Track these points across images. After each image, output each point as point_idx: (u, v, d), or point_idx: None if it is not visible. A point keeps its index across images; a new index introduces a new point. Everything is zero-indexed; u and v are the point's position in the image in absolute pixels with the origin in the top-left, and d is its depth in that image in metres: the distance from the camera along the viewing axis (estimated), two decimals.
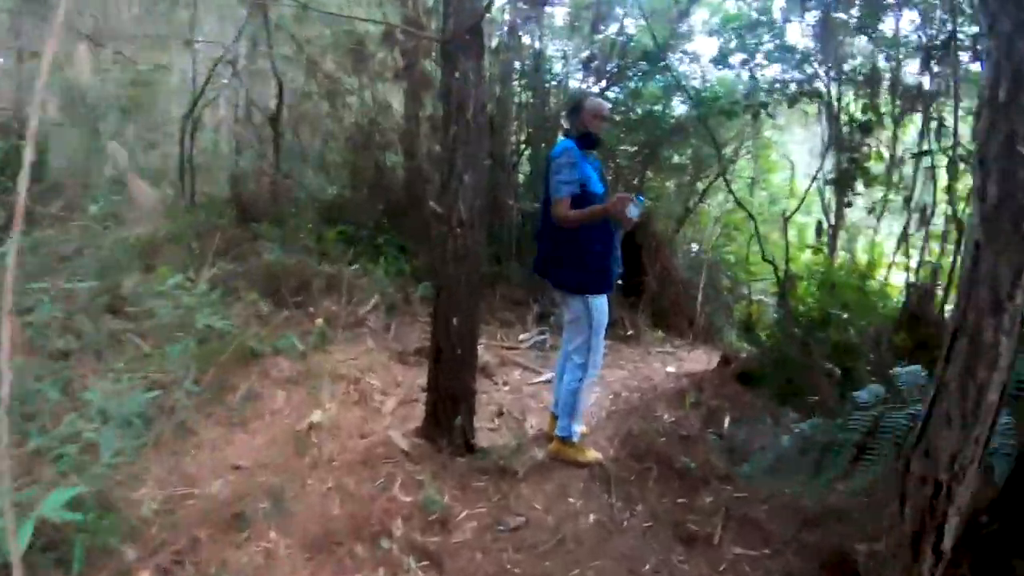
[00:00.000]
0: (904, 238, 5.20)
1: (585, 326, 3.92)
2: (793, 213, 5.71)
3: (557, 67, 8.40)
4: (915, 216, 5.27)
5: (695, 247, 9.00)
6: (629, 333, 7.09)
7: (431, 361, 3.83)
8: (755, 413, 4.85)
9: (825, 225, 5.96)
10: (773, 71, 6.51)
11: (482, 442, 4.23)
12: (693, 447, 4.39)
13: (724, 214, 8.62)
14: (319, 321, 5.43)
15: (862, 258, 6.14)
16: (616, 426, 4.84)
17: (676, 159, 8.89)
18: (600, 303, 3.93)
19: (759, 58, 6.42)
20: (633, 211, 3.73)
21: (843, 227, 6.13)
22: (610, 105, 5.68)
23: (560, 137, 4.32)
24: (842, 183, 4.77)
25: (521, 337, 6.52)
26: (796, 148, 8.91)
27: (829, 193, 6.05)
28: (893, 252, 5.94)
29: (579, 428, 4.19)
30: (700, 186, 8.90)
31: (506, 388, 5.40)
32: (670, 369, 6.24)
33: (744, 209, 5.22)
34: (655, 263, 7.64)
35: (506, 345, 6.32)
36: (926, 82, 5.19)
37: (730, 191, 5.31)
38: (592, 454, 4.23)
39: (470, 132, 3.48)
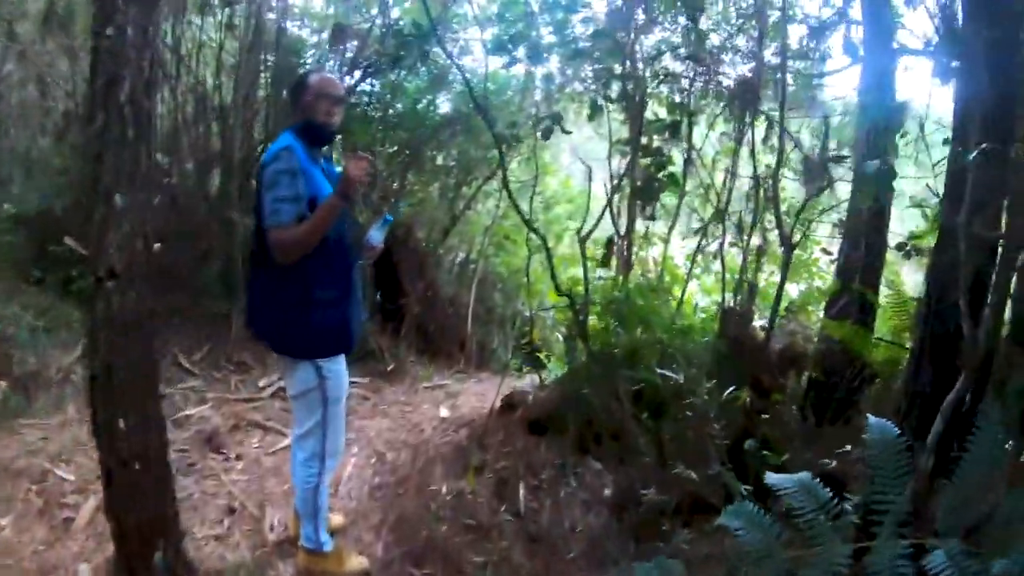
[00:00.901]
0: (720, 256, 4.73)
1: (317, 402, 2.88)
2: (592, 231, 5.02)
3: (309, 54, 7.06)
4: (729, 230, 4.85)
5: (461, 258, 8.16)
6: (391, 367, 6.07)
7: (103, 483, 2.47)
8: (556, 475, 4.07)
9: (617, 239, 5.38)
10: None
11: (205, 561, 3.10)
12: (485, 537, 3.49)
13: (495, 222, 7.86)
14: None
15: (657, 275, 5.65)
16: (383, 507, 3.85)
17: (440, 160, 7.98)
18: (337, 369, 2.89)
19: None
20: (376, 236, 2.96)
21: (638, 241, 5.58)
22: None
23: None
24: (646, 192, 4.14)
25: (262, 383, 5.21)
26: (583, 147, 8.41)
27: (619, 201, 5.46)
28: (689, 267, 5.50)
29: (327, 537, 3.15)
30: (467, 191, 8.08)
31: (240, 465, 4.13)
32: (444, 413, 5.31)
33: (532, 230, 4.42)
34: (417, 281, 6.68)
35: (243, 397, 5.00)
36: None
37: (512, 201, 4.45)
38: (355, 562, 3.22)
39: (126, 124, 2.14)
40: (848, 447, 3.34)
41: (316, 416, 2.88)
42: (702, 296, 6.45)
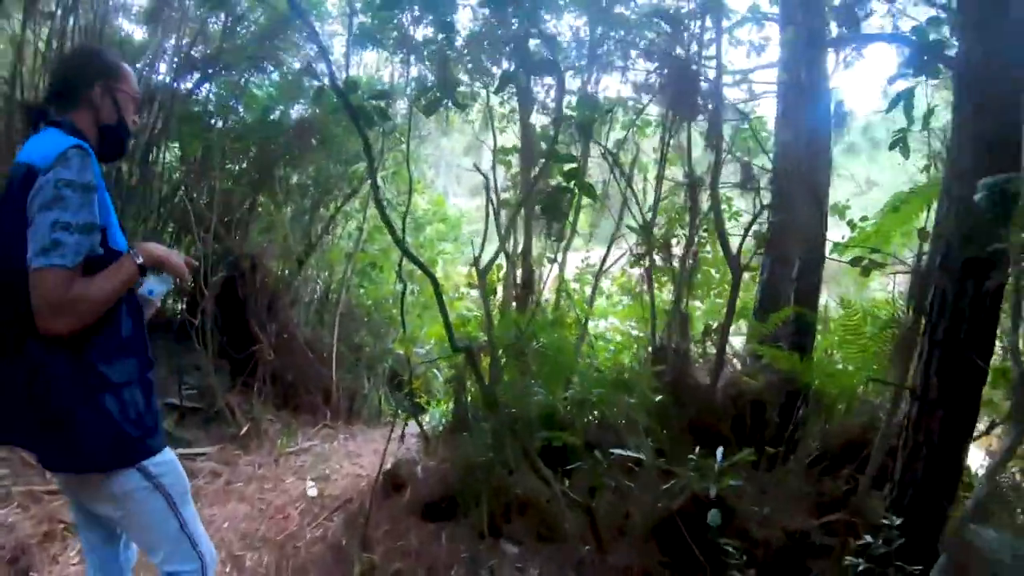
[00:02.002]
0: (647, 279, 4.13)
1: (161, 512, 1.91)
2: (492, 263, 4.28)
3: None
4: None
5: (319, 291, 7.16)
6: (244, 430, 5.01)
7: None
8: (466, 573, 3.29)
9: (510, 263, 4.71)
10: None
11: None
12: None
13: (359, 247, 6.93)
14: None
15: (555, 304, 5.01)
16: None
17: (295, 179, 6.95)
18: (169, 460, 1.93)
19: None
20: (156, 287, 1.97)
21: (535, 263, 4.90)
22: None
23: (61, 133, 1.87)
24: (552, 206, 3.41)
25: None
26: (454, 158, 7.69)
27: (508, 220, 4.79)
28: (592, 292, 4.90)
29: None
30: (325, 212, 7.10)
31: None
32: (312, 491, 4.38)
33: (420, 267, 3.63)
34: (269, 323, 5.65)
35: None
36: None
37: (387, 224, 3.60)
38: None
39: None
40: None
41: (170, 528, 1.93)
42: (602, 321, 5.95)
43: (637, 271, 4.60)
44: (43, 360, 1.70)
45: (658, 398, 3.59)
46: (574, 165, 3.63)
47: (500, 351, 4.08)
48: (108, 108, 1.89)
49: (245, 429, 5.01)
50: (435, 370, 6.23)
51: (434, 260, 7.63)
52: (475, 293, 5.46)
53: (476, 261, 4.05)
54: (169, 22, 5.79)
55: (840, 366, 3.74)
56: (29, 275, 1.60)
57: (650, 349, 4.27)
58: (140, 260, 1.78)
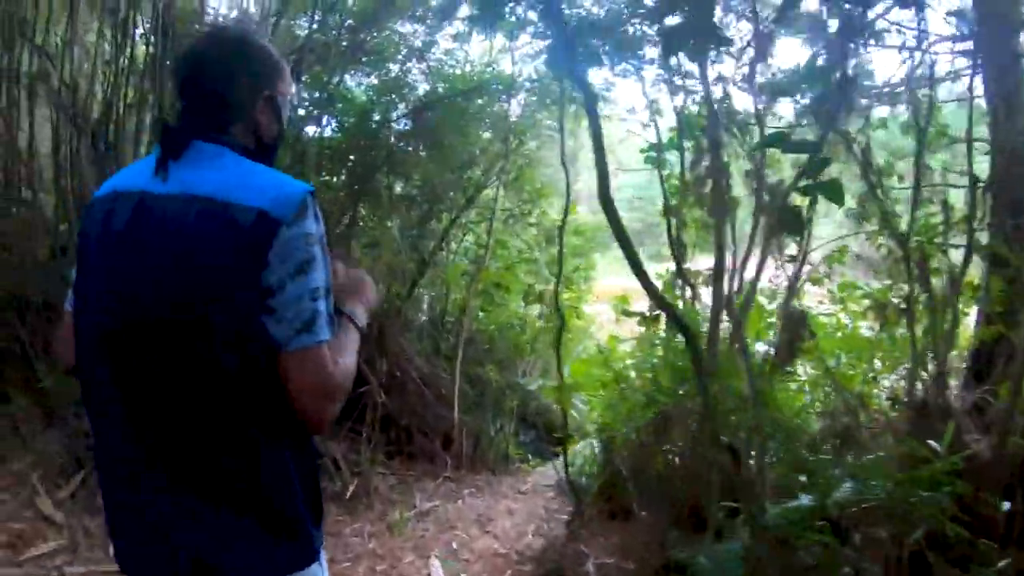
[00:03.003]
0: (909, 298, 2.87)
1: None
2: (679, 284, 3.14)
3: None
4: None
5: (432, 317, 6.22)
6: (351, 490, 4.05)
7: None
8: None
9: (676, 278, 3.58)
10: None
11: None
12: None
13: (482, 265, 5.94)
14: None
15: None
16: None
17: (399, 188, 6.09)
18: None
19: None
20: None
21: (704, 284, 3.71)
22: None
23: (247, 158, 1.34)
24: (790, 217, 2.30)
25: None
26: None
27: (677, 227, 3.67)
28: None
29: None
30: (437, 226, 6.17)
31: None
32: (438, 571, 3.33)
33: (675, 319, 2.60)
34: (379, 358, 4.68)
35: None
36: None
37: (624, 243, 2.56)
38: None
39: None
40: None
41: None
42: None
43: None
44: (268, 453, 1.24)
45: None
46: (821, 156, 2.42)
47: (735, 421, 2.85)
48: (270, 120, 1.38)
49: (352, 488, 4.06)
50: (574, 412, 5.14)
51: (571, 282, 6.57)
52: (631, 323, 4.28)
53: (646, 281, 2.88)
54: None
55: None
56: (282, 356, 1.18)
57: (896, 401, 2.99)
58: (363, 325, 1.42)
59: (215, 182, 1.20)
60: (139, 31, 4.48)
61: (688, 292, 3.78)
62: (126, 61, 4.38)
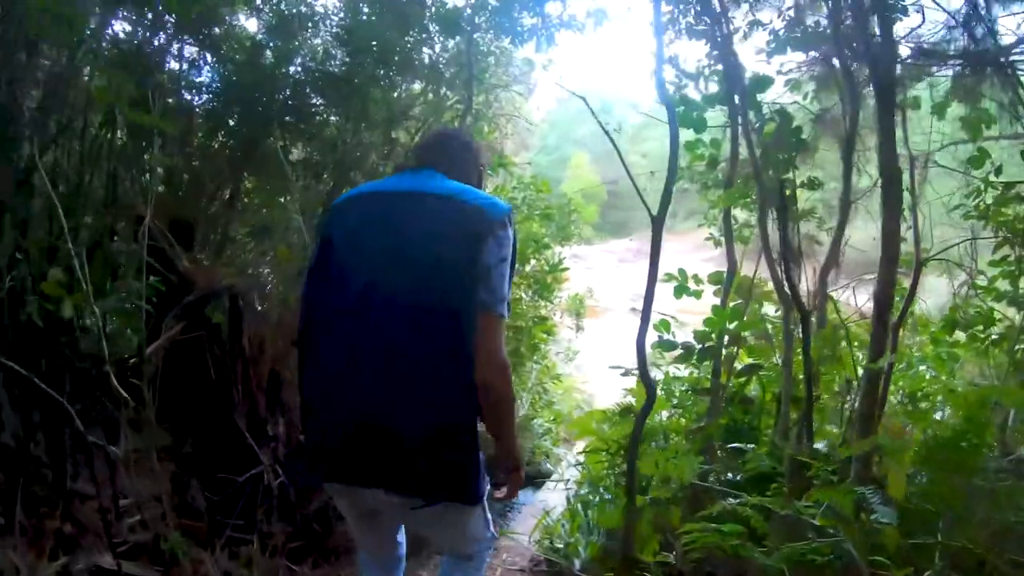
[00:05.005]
0: None
1: (485, 554, 2.16)
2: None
3: None
4: None
5: None
6: None
7: None
8: None
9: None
10: None
11: None
12: None
13: None
14: None
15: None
16: None
17: (297, 153, 4.54)
18: None
19: None
20: None
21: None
22: None
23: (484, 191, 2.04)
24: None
25: None
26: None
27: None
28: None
29: None
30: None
31: None
32: None
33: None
34: (273, 418, 3.18)
35: None
36: None
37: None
38: None
39: None
40: None
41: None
42: None
43: None
44: (462, 391, 1.72)
45: None
46: None
47: None
48: (481, 179, 2.11)
49: None
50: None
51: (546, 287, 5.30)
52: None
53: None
54: None
55: None
56: (480, 315, 1.69)
57: None
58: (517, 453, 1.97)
59: (454, 188, 1.83)
60: None
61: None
62: None
